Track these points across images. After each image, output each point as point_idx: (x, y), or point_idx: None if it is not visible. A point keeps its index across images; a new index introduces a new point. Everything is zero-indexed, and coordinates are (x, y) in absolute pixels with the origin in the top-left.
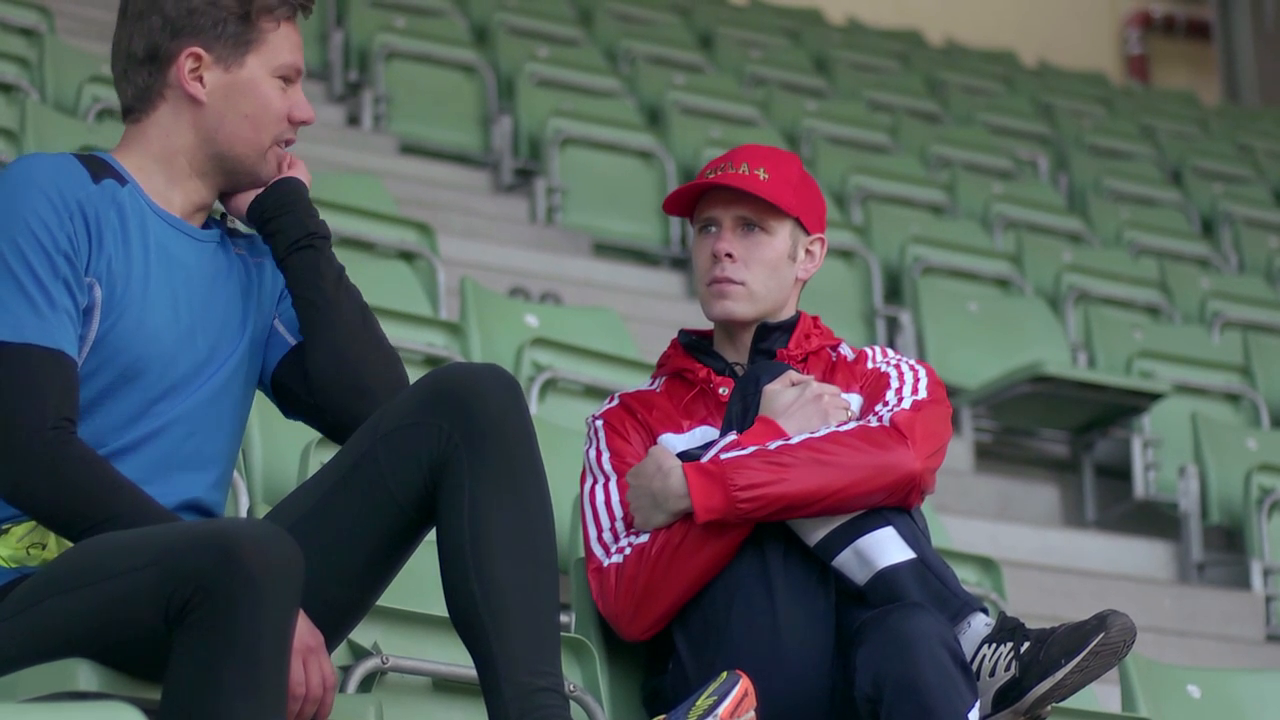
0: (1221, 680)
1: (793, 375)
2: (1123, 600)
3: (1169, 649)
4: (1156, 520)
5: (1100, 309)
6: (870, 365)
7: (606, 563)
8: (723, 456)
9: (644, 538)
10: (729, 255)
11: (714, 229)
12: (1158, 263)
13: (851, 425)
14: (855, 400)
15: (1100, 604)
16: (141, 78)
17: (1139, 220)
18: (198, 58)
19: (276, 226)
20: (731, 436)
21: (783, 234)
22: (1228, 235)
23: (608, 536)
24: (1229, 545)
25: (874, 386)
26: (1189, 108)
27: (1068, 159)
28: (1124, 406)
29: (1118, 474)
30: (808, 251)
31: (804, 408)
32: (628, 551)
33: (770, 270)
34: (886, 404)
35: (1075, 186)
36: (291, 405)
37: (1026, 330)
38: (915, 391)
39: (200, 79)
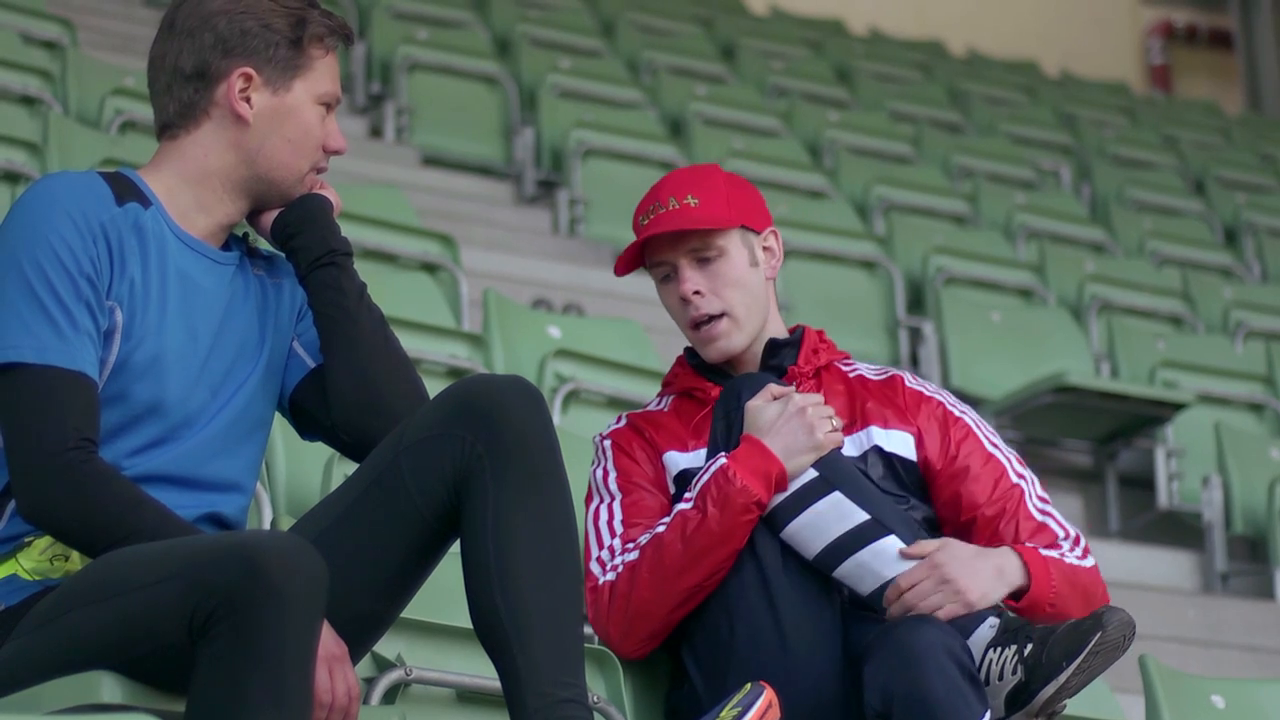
0: (1246, 691)
1: (774, 388)
2: (1146, 610)
3: (1193, 659)
4: (1180, 530)
5: (1123, 319)
6: (928, 408)
7: (601, 580)
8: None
9: (635, 555)
10: (697, 293)
11: (672, 274)
12: (1180, 272)
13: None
14: (906, 437)
15: None
16: (187, 94)
17: (1162, 230)
18: (248, 78)
19: (299, 243)
20: (721, 460)
21: (736, 247)
22: (1250, 245)
23: (605, 555)
24: (1253, 555)
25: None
26: (1211, 117)
27: (1090, 169)
28: (1147, 416)
29: (1141, 484)
30: (765, 249)
31: (789, 422)
32: (620, 569)
33: (741, 288)
34: (1059, 551)
35: (1098, 196)
36: (309, 427)
37: (1049, 340)
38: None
39: (248, 99)
